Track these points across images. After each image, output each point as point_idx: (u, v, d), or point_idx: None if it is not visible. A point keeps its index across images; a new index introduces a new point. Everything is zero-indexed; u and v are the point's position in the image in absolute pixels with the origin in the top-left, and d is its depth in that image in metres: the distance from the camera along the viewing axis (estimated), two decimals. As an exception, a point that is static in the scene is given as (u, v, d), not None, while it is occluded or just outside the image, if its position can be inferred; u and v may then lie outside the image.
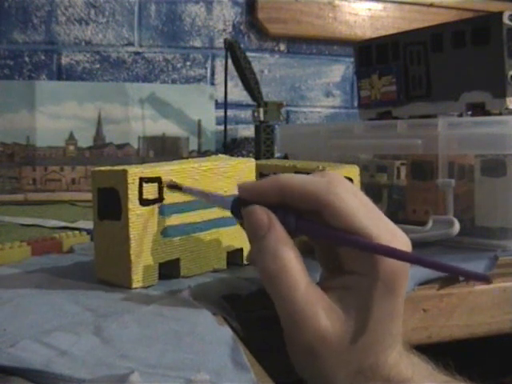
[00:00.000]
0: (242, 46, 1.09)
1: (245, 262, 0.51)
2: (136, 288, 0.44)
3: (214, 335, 0.36)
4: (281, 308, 0.37)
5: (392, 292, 0.36)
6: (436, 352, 0.41)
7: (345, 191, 0.36)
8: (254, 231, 0.37)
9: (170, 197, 0.46)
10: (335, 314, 0.36)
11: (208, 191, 0.45)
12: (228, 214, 0.45)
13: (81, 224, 0.71)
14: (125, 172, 0.43)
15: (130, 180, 0.43)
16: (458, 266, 0.36)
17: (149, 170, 0.45)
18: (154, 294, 0.44)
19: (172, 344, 0.34)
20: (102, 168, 0.46)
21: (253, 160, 0.52)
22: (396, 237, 0.37)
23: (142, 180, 0.44)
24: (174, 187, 0.45)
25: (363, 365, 0.36)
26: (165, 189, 0.45)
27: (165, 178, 0.45)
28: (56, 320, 0.37)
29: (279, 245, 0.36)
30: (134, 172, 0.44)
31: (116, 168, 0.45)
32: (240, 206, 0.39)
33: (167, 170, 0.46)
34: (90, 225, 0.54)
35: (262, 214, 0.37)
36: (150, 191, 0.45)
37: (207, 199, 0.45)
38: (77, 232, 0.60)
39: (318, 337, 0.36)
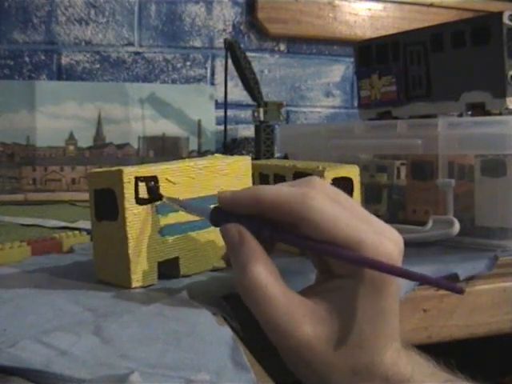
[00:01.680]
0: (242, 45, 1.09)
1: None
2: (135, 288, 0.44)
3: (214, 335, 0.36)
4: (260, 321, 0.37)
5: (379, 291, 0.36)
6: (436, 352, 0.41)
7: (321, 201, 0.36)
8: (228, 248, 0.38)
9: (167, 195, 0.46)
10: (317, 318, 0.36)
11: (186, 201, 0.45)
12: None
13: (81, 224, 0.71)
14: (120, 172, 0.43)
15: (125, 179, 0.43)
16: (437, 279, 0.36)
17: (144, 169, 0.45)
18: (154, 293, 0.44)
19: (172, 344, 0.34)
20: (98, 169, 0.46)
21: (249, 157, 0.52)
22: (383, 236, 0.36)
23: (138, 179, 0.44)
24: (155, 197, 0.45)
25: (357, 365, 0.36)
26: (161, 187, 0.45)
27: (161, 178, 0.45)
28: (56, 320, 0.37)
29: (248, 261, 0.36)
30: (130, 171, 0.44)
31: (111, 169, 0.45)
32: (218, 215, 0.40)
33: (163, 169, 0.46)
34: (89, 225, 0.53)
35: (233, 230, 0.38)
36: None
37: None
38: (77, 232, 0.60)
39: (301, 343, 0.36)
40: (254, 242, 0.37)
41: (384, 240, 0.36)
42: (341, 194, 0.38)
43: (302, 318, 0.36)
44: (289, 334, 0.36)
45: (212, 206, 0.41)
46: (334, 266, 0.37)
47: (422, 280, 0.37)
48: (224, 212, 0.39)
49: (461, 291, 0.35)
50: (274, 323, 0.36)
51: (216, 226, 0.40)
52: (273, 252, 0.39)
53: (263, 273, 0.36)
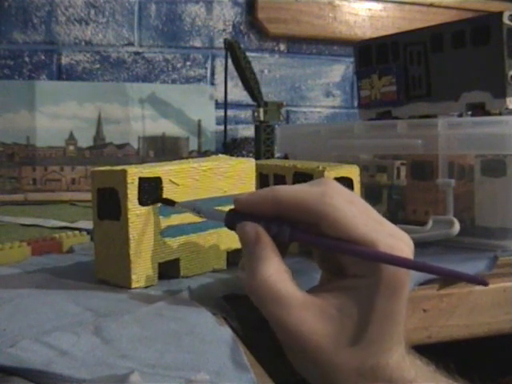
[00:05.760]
0: (241, 46, 1.09)
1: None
2: (136, 288, 0.44)
3: (214, 335, 0.36)
4: (268, 319, 0.37)
5: (394, 294, 0.36)
6: (436, 352, 0.41)
7: (340, 200, 0.36)
8: (243, 247, 0.38)
9: (170, 197, 0.46)
10: (327, 316, 0.36)
11: (200, 207, 0.45)
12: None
13: (81, 224, 0.71)
14: (124, 172, 0.43)
15: (129, 180, 0.43)
16: (459, 271, 0.36)
17: (148, 170, 0.45)
18: (154, 294, 0.44)
19: (172, 344, 0.34)
20: (102, 168, 0.46)
21: (253, 160, 0.52)
22: (397, 239, 0.37)
23: (142, 180, 0.44)
24: (168, 203, 0.45)
25: (363, 366, 0.36)
26: (164, 188, 0.45)
27: (165, 179, 0.45)
28: (56, 320, 0.37)
29: (260, 260, 0.36)
30: (134, 172, 0.44)
31: (115, 168, 0.45)
32: (234, 218, 0.39)
33: (167, 170, 0.46)
34: (89, 225, 0.54)
35: (250, 230, 0.37)
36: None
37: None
38: (77, 232, 0.60)
39: (309, 341, 0.36)
40: (270, 242, 0.37)
41: (398, 242, 0.36)
42: (354, 196, 0.38)
43: (311, 316, 0.36)
44: (297, 333, 0.36)
45: (227, 210, 0.40)
46: (348, 266, 0.37)
47: (448, 274, 0.37)
48: (240, 214, 0.39)
49: (484, 283, 0.35)
50: (282, 322, 0.36)
51: (231, 228, 0.40)
52: (286, 255, 0.39)
53: (274, 273, 0.36)
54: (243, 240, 0.38)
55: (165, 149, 1.10)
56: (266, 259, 0.36)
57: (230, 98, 1.13)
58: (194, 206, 0.44)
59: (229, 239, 0.50)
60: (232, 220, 0.39)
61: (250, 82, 1.09)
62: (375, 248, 0.35)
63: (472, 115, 0.65)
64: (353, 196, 0.38)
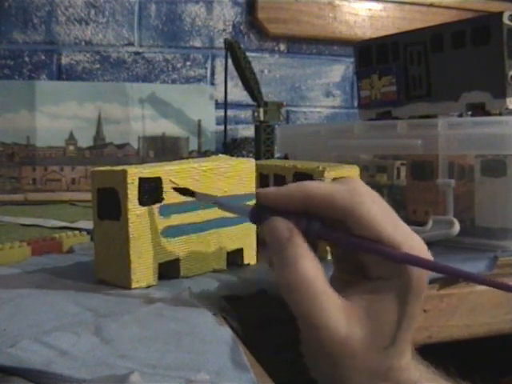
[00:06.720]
0: (241, 46, 1.09)
1: (245, 262, 0.51)
2: (136, 288, 0.44)
3: (214, 335, 0.36)
4: (300, 318, 0.36)
5: (418, 296, 0.36)
6: (436, 353, 0.41)
7: (368, 199, 0.36)
8: (274, 244, 0.37)
9: (170, 197, 0.46)
10: (356, 318, 0.35)
11: (222, 198, 0.45)
12: (228, 214, 0.45)
13: (81, 224, 0.71)
14: (124, 172, 0.43)
15: (129, 180, 0.43)
16: (487, 277, 0.36)
17: (148, 171, 0.45)
18: (154, 294, 0.44)
19: (172, 344, 0.34)
20: (102, 168, 0.46)
21: (253, 160, 0.52)
22: (415, 241, 0.36)
23: (142, 180, 0.44)
24: (187, 193, 0.45)
25: (379, 368, 0.36)
26: (165, 188, 0.45)
27: (165, 179, 0.45)
28: (56, 320, 0.37)
29: (298, 258, 0.36)
30: (134, 172, 0.44)
31: (116, 168, 0.45)
32: (260, 213, 0.38)
33: (167, 171, 0.46)
34: (89, 225, 0.54)
35: (282, 226, 0.37)
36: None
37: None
38: (77, 232, 0.60)
39: (337, 344, 0.35)
40: (302, 238, 0.36)
41: (415, 245, 0.36)
42: (377, 196, 0.38)
43: (344, 316, 0.35)
44: (327, 334, 0.35)
45: (252, 203, 0.40)
46: (370, 266, 0.37)
47: (476, 280, 0.37)
48: (267, 209, 0.38)
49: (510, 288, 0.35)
50: (315, 318, 0.35)
51: (255, 223, 0.39)
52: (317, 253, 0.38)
53: (312, 268, 0.36)
54: (274, 236, 0.37)
55: (165, 149, 1.10)
56: (302, 256, 0.36)
57: (230, 98, 1.13)
58: (215, 199, 0.44)
59: (229, 239, 0.50)
60: (257, 214, 0.39)
61: (250, 82, 1.09)
62: (399, 249, 0.35)
63: (472, 115, 0.65)
64: (376, 196, 0.38)
